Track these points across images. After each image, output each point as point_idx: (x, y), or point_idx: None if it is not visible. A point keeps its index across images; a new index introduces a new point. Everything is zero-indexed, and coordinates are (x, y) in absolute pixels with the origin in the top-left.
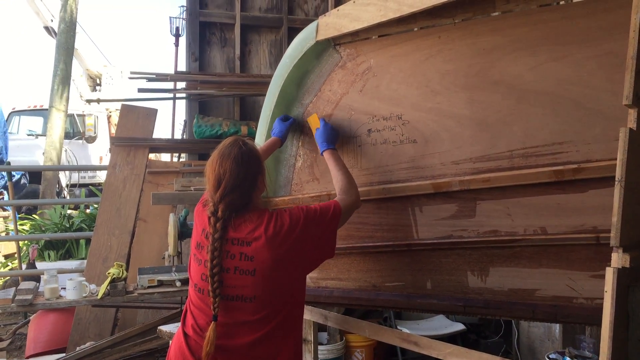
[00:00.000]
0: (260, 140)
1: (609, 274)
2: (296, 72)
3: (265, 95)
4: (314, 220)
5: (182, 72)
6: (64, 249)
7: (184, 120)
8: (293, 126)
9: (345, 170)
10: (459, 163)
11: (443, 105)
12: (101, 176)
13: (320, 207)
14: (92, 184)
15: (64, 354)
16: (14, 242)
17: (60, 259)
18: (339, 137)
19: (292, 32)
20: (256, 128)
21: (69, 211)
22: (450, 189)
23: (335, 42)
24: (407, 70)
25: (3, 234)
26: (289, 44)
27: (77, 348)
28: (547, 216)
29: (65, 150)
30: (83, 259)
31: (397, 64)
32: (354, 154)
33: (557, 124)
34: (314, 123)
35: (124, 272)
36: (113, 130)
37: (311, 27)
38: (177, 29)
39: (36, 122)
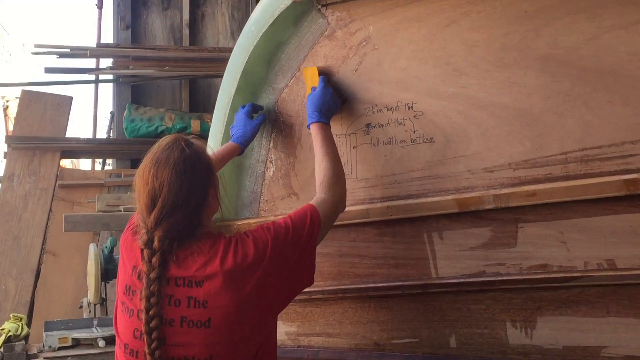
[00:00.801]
0: (216, 141)
1: None
2: (265, 45)
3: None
4: (285, 242)
5: (107, 45)
6: None
7: (111, 113)
8: (262, 124)
9: (333, 157)
10: (493, 171)
11: (470, 89)
12: None
13: (292, 221)
14: None
15: None
16: None
17: None
18: (336, 112)
19: None
20: (210, 122)
21: None
22: (482, 206)
23: (320, 2)
24: (421, 41)
25: None
26: (257, 2)
27: None
28: (616, 244)
29: None
30: None
31: (407, 33)
32: (347, 159)
33: (629, 115)
34: (311, 79)
35: (25, 327)
36: (11, 127)
37: None
38: None
39: None
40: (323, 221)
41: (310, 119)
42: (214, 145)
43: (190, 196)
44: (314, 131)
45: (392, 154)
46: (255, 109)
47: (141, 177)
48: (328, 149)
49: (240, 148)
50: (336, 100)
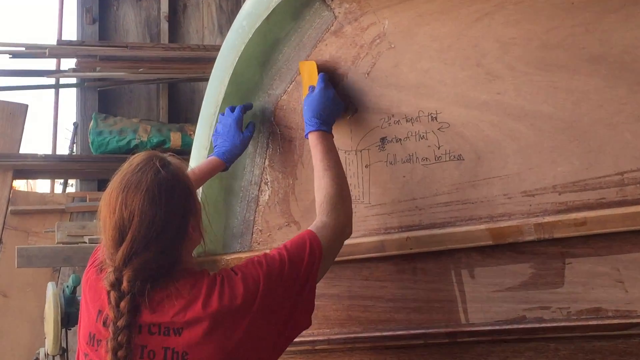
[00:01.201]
0: (200, 159)
1: None
2: (260, 43)
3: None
4: (280, 279)
5: (70, 42)
6: None
7: (74, 124)
8: (253, 135)
9: (336, 171)
10: (534, 194)
11: (506, 96)
12: None
13: (287, 252)
14: None
15: None
16: None
17: None
18: (338, 117)
19: None
20: (193, 135)
21: None
22: (521, 238)
23: None
24: (446, 38)
25: None
26: None
27: None
28: None
29: None
30: None
31: (429, 28)
32: (358, 180)
33: None
34: (308, 76)
35: None
36: None
37: None
38: None
39: None
40: (325, 250)
41: (308, 127)
42: (198, 159)
43: (166, 228)
44: (313, 141)
45: (412, 174)
46: (245, 110)
47: (107, 205)
48: (329, 162)
49: (224, 165)
50: (339, 103)
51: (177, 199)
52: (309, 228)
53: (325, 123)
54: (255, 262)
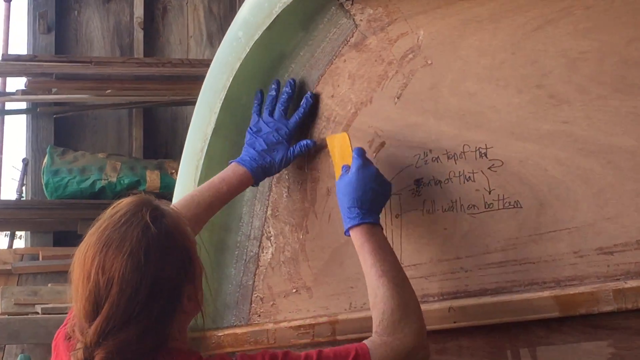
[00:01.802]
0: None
1: None
2: (260, 59)
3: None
4: None
5: (18, 57)
6: None
7: (23, 160)
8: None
9: (394, 276)
10: (613, 252)
11: (576, 126)
12: None
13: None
14: None
15: None
16: None
17: None
18: (388, 196)
19: None
20: (175, 175)
21: None
22: (597, 308)
23: None
24: (498, 52)
25: None
26: None
27: None
28: None
29: None
30: None
31: (476, 40)
32: (386, 234)
33: None
34: (340, 153)
35: None
36: None
37: None
38: None
39: None
40: None
41: (347, 220)
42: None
43: (153, 301)
44: (357, 239)
45: (455, 226)
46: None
47: (81, 267)
48: (384, 265)
49: (251, 178)
50: (385, 184)
51: (170, 264)
52: (363, 342)
53: (370, 212)
54: (271, 356)
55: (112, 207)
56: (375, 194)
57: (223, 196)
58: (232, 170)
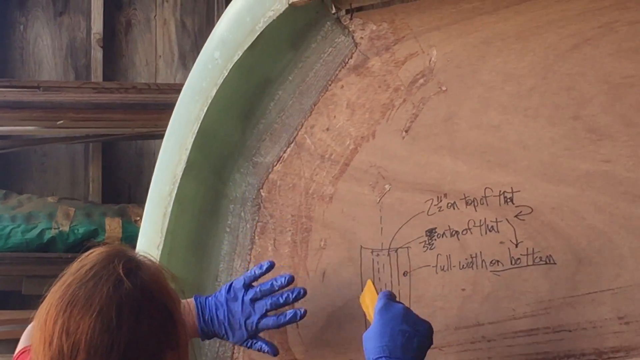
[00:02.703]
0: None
1: None
2: (240, 84)
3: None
4: None
5: None
6: None
7: None
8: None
9: None
10: None
11: (620, 166)
12: None
13: None
14: None
15: None
16: None
17: None
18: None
19: None
20: (140, 223)
21: None
22: None
23: (338, 6)
24: (526, 76)
25: None
26: (227, 2)
27: None
28: None
29: None
30: None
31: (501, 62)
32: (395, 291)
33: None
34: (372, 305)
35: None
36: None
37: None
38: None
39: None
40: None
41: None
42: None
43: None
44: None
45: (476, 285)
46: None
47: (41, 330)
48: None
49: (197, 333)
50: (419, 323)
51: (148, 325)
52: None
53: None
54: None
55: (79, 259)
56: (406, 336)
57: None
58: (186, 311)
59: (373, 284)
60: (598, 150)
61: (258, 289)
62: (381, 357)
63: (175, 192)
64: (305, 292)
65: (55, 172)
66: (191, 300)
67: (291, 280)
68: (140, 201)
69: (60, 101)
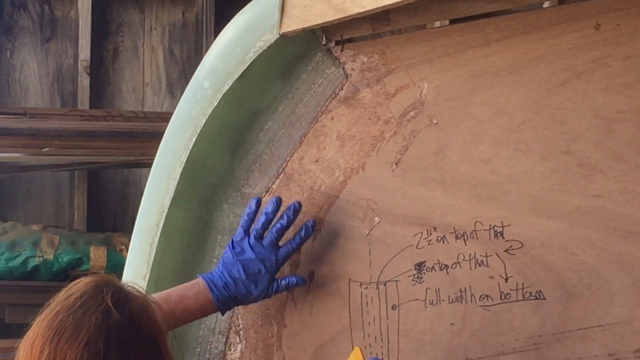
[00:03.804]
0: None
1: None
2: (230, 115)
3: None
4: None
5: None
6: None
7: None
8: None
9: None
10: None
11: (611, 201)
12: None
13: None
14: None
15: None
16: None
17: None
18: None
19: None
20: (125, 252)
21: None
22: None
23: (329, 37)
24: (518, 110)
25: None
26: (216, 31)
27: None
28: None
29: None
30: None
31: (492, 96)
32: (381, 329)
33: None
34: None
35: None
36: None
37: None
38: None
39: None
40: None
41: None
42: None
43: None
44: None
45: (465, 320)
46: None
47: (27, 358)
48: None
49: (215, 309)
50: None
51: (134, 356)
52: None
53: None
54: None
55: (66, 288)
56: None
57: (174, 321)
58: (194, 292)
59: (361, 351)
60: (589, 186)
61: (258, 227)
62: None
63: (162, 222)
64: (300, 204)
65: (40, 199)
66: (199, 279)
67: (279, 201)
68: (126, 230)
69: (46, 128)
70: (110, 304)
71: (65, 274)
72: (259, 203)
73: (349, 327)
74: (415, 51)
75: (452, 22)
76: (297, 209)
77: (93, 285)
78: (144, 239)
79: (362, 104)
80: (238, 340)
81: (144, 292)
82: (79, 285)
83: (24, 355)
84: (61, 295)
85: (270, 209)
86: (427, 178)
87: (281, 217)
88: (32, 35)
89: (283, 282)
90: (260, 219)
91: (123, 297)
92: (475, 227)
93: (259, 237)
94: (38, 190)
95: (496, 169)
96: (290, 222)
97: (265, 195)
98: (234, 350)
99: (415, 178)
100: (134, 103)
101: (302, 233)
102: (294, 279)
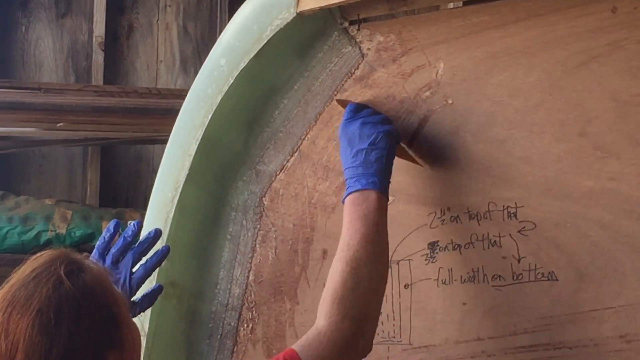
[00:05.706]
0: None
1: None
2: (245, 93)
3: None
4: None
5: None
6: None
7: None
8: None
9: (362, 246)
10: None
11: (624, 183)
12: None
13: None
14: None
15: None
16: None
17: None
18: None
19: None
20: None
21: None
22: None
23: (345, 16)
24: (533, 92)
25: None
26: (230, 9)
27: None
28: None
29: None
30: None
31: (507, 77)
32: (393, 307)
33: None
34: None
35: None
36: None
37: None
38: None
39: None
40: None
41: (351, 184)
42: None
43: None
44: (346, 207)
45: (477, 300)
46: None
47: None
48: (352, 238)
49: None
50: (392, 143)
51: (86, 325)
52: (292, 346)
53: (364, 176)
54: None
55: (26, 261)
56: (363, 154)
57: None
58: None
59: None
60: (603, 168)
61: (114, 251)
62: (347, 179)
63: (177, 198)
64: (159, 231)
65: (53, 174)
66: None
67: (139, 224)
68: (138, 206)
69: (60, 103)
70: (62, 275)
71: (78, 249)
72: (117, 226)
73: None
74: (432, 32)
75: (466, 3)
76: (153, 234)
77: (49, 258)
78: (159, 214)
79: (377, 83)
80: (251, 317)
81: (102, 266)
82: (38, 258)
83: None
84: (20, 269)
85: (129, 232)
86: (441, 158)
87: (141, 241)
88: (47, 11)
89: (143, 303)
90: (119, 242)
91: (77, 268)
92: (489, 208)
93: (116, 262)
94: (51, 165)
95: (511, 150)
96: (151, 245)
97: (280, 172)
98: (246, 327)
99: (429, 158)
100: (148, 80)
101: (155, 258)
102: (147, 297)
